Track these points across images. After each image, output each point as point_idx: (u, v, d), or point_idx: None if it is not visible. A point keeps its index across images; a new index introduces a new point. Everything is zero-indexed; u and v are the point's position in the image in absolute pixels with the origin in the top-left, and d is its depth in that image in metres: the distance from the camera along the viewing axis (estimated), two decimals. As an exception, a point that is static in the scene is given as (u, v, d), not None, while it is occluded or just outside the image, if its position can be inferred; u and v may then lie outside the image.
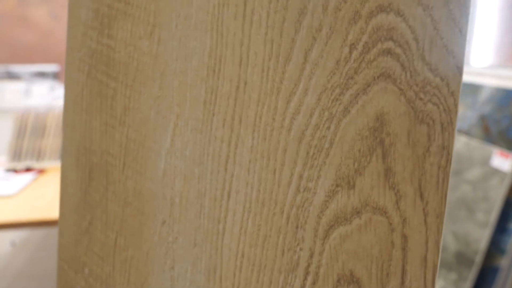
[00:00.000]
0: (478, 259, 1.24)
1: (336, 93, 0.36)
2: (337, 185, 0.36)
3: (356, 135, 0.35)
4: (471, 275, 1.26)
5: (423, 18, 0.33)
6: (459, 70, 0.33)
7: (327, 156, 0.36)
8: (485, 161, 1.27)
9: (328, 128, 0.36)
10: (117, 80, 0.46)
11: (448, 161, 0.33)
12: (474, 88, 1.40)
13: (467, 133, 1.38)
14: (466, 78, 1.47)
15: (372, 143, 0.35)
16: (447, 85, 0.33)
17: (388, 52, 0.34)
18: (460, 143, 1.38)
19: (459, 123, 1.43)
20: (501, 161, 1.23)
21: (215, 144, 0.41)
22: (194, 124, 0.42)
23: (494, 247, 1.25)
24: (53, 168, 1.74)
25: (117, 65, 0.46)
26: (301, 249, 0.38)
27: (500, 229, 1.25)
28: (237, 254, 0.40)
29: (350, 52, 0.35)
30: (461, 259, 1.30)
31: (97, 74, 0.48)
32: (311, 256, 0.38)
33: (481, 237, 1.24)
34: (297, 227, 0.38)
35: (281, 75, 0.38)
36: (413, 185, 0.34)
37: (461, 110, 1.45)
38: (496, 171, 1.24)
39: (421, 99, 0.34)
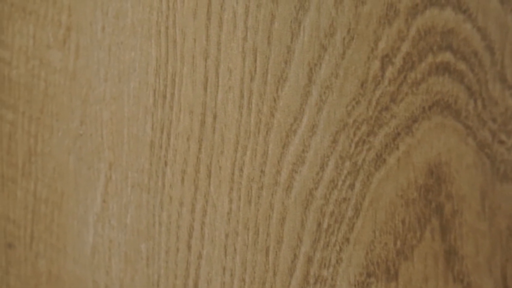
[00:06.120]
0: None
1: (362, 133, 0.23)
2: (368, 275, 0.24)
3: (398, 198, 0.23)
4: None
5: (501, 15, 0.21)
6: (560, 96, 0.21)
7: (352, 230, 0.24)
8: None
9: (352, 186, 0.23)
10: (16, 110, 0.31)
11: (547, 238, 0.21)
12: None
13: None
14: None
15: (424, 210, 0.23)
16: (543, 119, 0.21)
17: (446, 68, 0.22)
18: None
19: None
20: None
21: (170, 208, 0.27)
22: (136, 178, 0.27)
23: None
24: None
25: (15, 88, 0.31)
26: None
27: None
28: None
29: (383, 69, 0.22)
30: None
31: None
32: None
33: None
34: (304, 336, 0.25)
35: (272, 103, 0.24)
36: (493, 276, 0.22)
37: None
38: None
39: (501, 142, 0.21)
